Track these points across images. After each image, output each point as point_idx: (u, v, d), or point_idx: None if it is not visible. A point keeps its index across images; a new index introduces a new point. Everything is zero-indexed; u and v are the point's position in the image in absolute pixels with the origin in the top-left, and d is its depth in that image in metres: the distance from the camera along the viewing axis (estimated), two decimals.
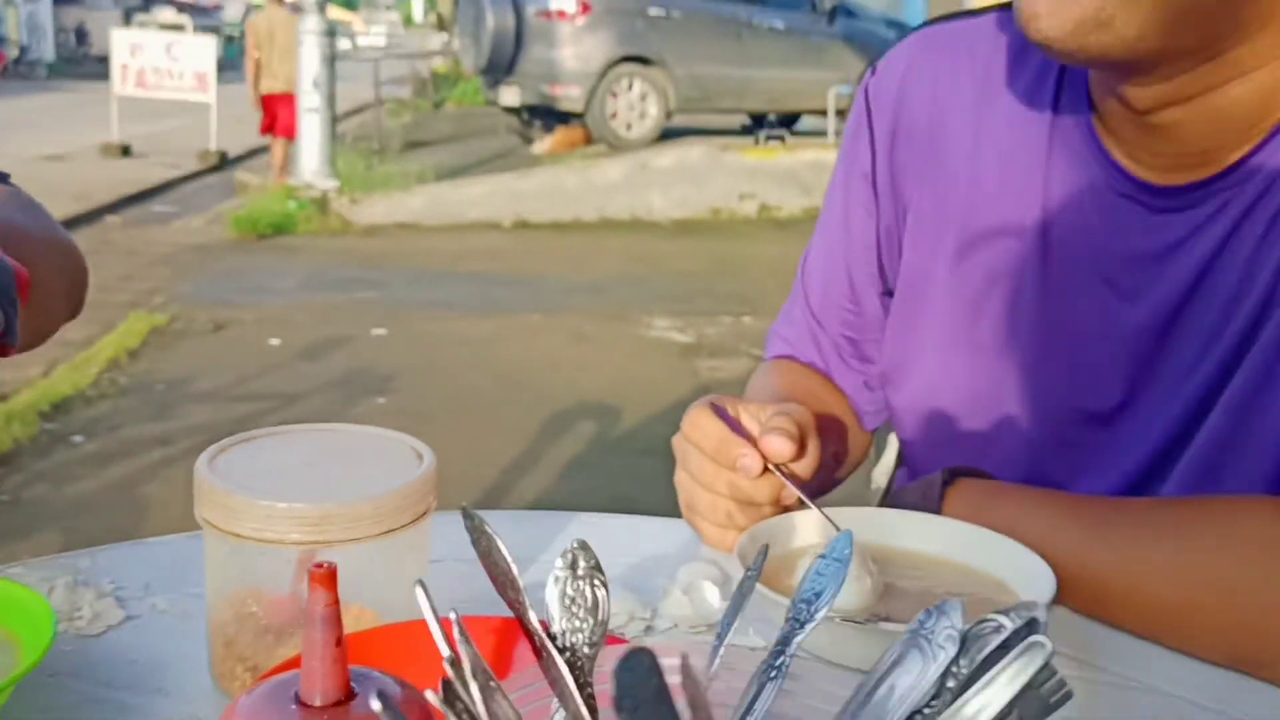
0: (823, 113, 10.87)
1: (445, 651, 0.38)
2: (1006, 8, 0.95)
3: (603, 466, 4.05)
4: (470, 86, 17.03)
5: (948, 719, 0.37)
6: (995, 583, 0.81)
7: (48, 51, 28.39)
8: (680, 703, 0.31)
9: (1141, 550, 0.79)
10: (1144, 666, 0.77)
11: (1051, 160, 0.91)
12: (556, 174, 9.72)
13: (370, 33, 39.17)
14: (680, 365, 5.37)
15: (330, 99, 9.49)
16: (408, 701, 0.45)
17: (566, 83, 10.61)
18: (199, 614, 0.74)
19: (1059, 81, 0.91)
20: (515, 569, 0.45)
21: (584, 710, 0.42)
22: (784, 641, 0.42)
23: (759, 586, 0.75)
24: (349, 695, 0.46)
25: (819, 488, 1.03)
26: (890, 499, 0.92)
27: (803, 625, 0.42)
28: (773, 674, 0.42)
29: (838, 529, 0.84)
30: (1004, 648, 0.37)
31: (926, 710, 0.37)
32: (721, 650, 0.43)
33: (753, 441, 0.86)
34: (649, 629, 0.79)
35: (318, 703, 0.46)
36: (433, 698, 0.36)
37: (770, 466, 0.86)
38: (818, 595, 0.42)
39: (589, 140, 10.96)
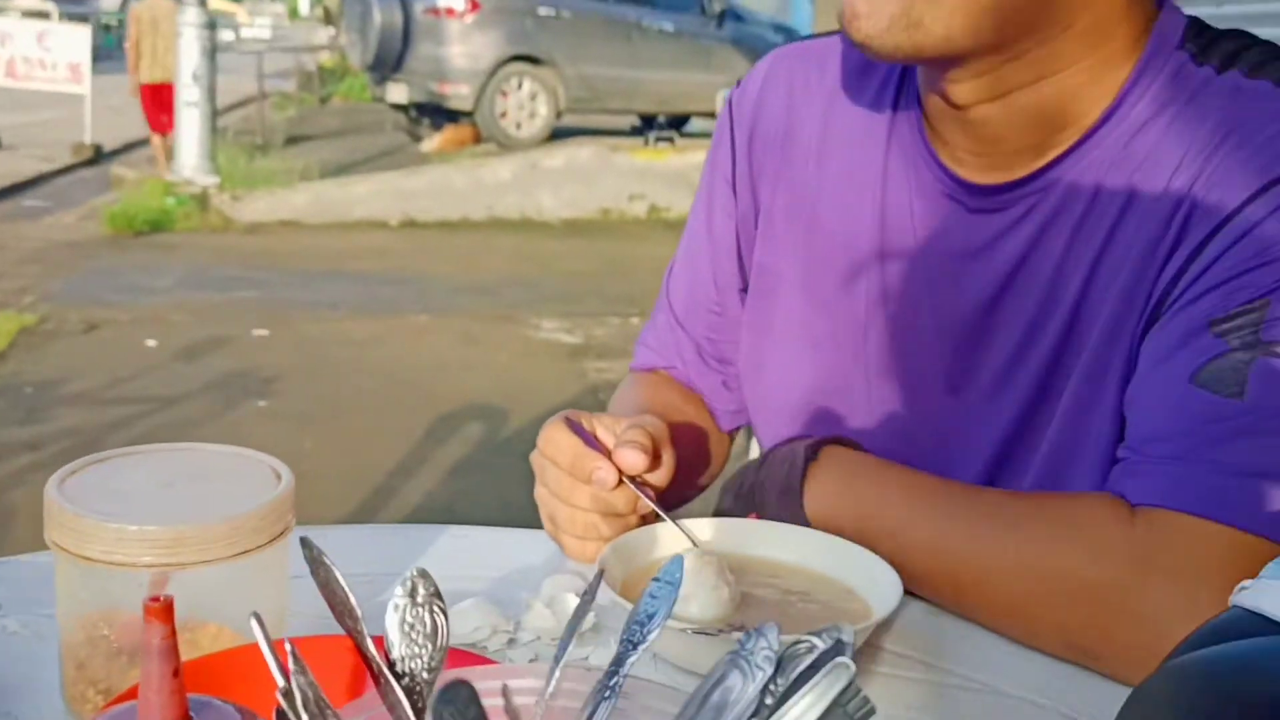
0: (711, 115, 10.96)
1: (279, 682, 0.39)
2: None
3: (489, 468, 4.04)
4: (358, 82, 16.78)
5: None
6: (846, 590, 0.85)
7: None
8: None
9: (991, 543, 0.83)
10: (987, 668, 0.81)
11: (889, 161, 0.98)
12: (445, 172, 9.63)
13: (254, 24, 38.27)
14: (568, 367, 5.38)
15: (210, 92, 9.26)
16: None
17: (455, 81, 10.54)
18: (52, 635, 0.73)
19: (899, 86, 0.98)
20: (353, 599, 0.46)
21: None
22: (618, 662, 0.44)
23: (616, 598, 0.77)
24: None
25: (680, 497, 1.07)
26: (757, 471, 0.95)
27: (635, 646, 0.44)
28: (607, 694, 0.44)
29: (693, 540, 0.87)
30: (815, 667, 0.39)
31: None
32: (559, 671, 0.45)
33: (608, 454, 0.89)
34: (512, 641, 0.80)
35: None
36: None
37: (625, 479, 0.88)
38: (650, 617, 0.44)
39: (478, 139, 10.90)
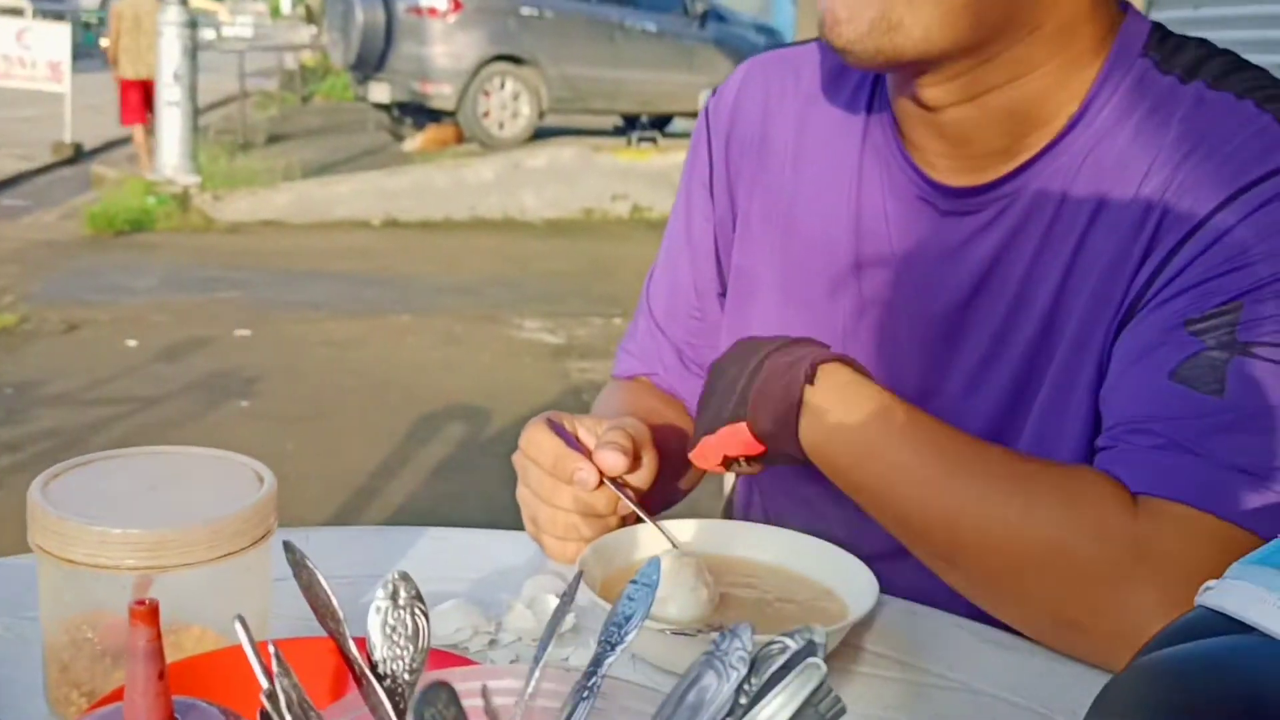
0: (693, 115, 10.98)
1: (263, 684, 0.39)
2: None
3: (472, 469, 4.05)
4: (340, 81, 16.74)
5: None
6: (824, 590, 0.86)
7: None
8: None
9: (997, 504, 0.81)
10: (963, 666, 0.82)
11: (863, 164, 0.99)
12: (427, 172, 9.62)
13: (236, 23, 38.11)
14: (550, 367, 5.39)
15: (192, 92, 9.23)
16: None
17: (438, 80, 10.52)
18: (35, 638, 0.73)
19: (872, 91, 1.00)
20: (335, 601, 0.47)
21: None
22: (596, 663, 0.45)
23: (595, 599, 0.78)
24: None
25: (662, 500, 1.08)
26: (751, 375, 0.91)
27: (613, 647, 0.45)
28: (585, 694, 0.45)
29: (672, 542, 0.88)
30: (787, 667, 0.40)
31: None
32: (538, 672, 0.46)
33: (589, 455, 0.90)
34: (493, 642, 0.81)
35: None
36: None
37: (605, 480, 0.89)
38: (628, 619, 0.45)
39: (460, 139, 10.89)
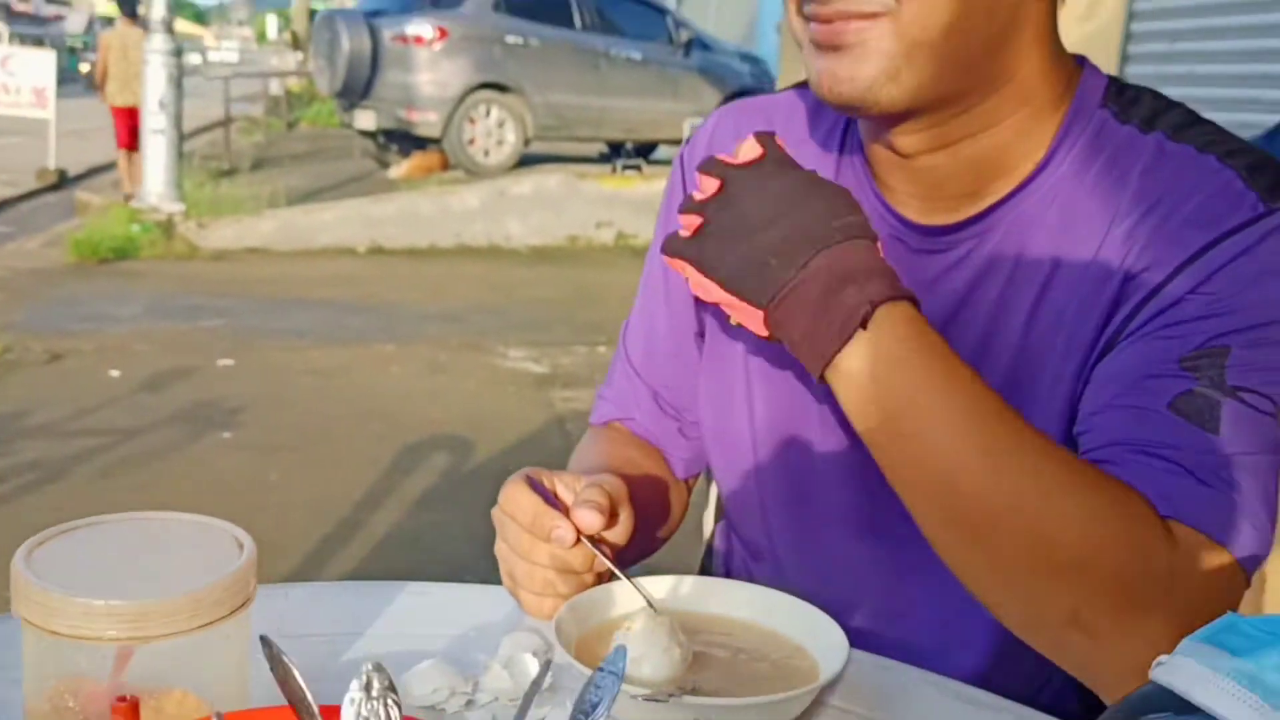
0: (678, 142, 11.04)
1: None
2: (799, 86, 1.08)
3: (456, 499, 4.05)
4: (325, 107, 16.78)
5: None
6: (795, 647, 0.87)
7: None
8: None
9: (1051, 486, 0.77)
10: None
11: None
12: (413, 199, 9.65)
13: (221, 49, 38.20)
14: (535, 396, 5.40)
15: (177, 120, 9.24)
16: None
17: (423, 108, 10.56)
18: (16, 700, 0.74)
19: (844, 134, 1.04)
20: (310, 695, 0.48)
21: None
22: None
23: (574, 661, 0.79)
24: None
25: (641, 551, 1.09)
26: (790, 283, 0.81)
27: None
28: None
29: (647, 599, 0.89)
30: None
31: None
32: None
33: (567, 512, 0.91)
34: (470, 703, 0.82)
35: None
36: None
37: (582, 538, 0.90)
38: (594, 707, 0.47)
39: (446, 166, 10.92)
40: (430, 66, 10.55)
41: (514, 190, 9.83)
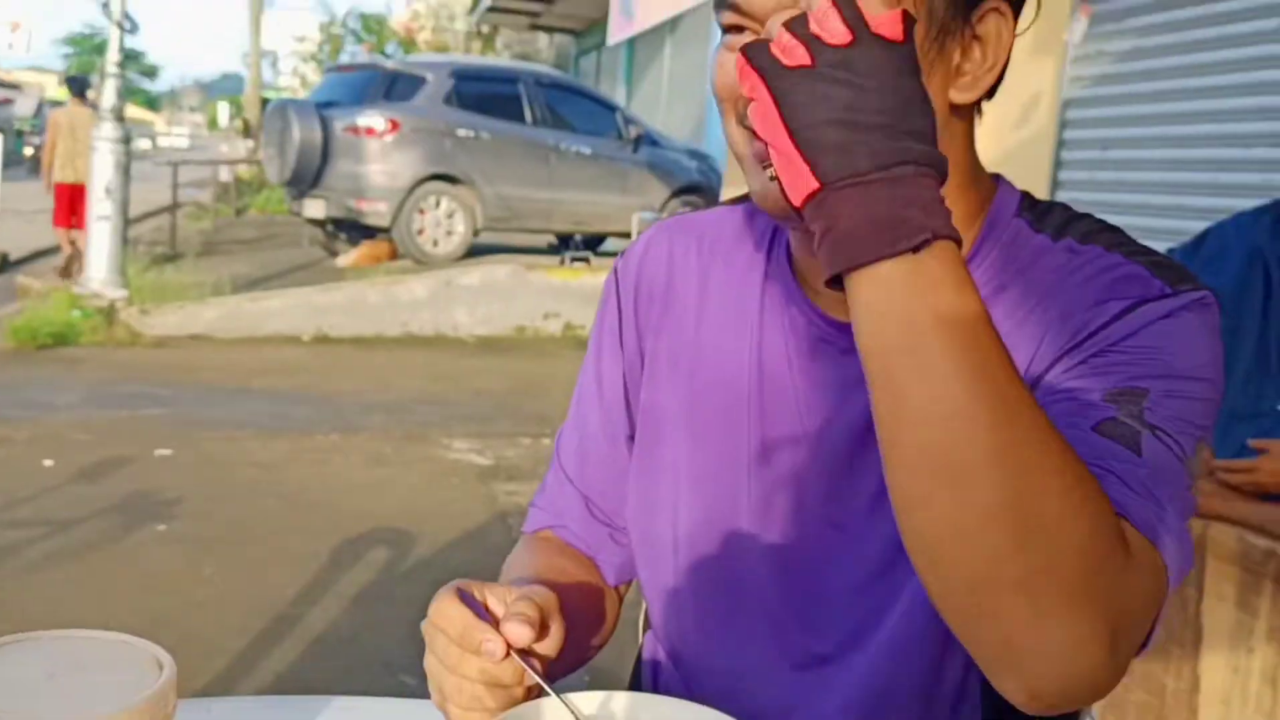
0: (627, 235, 11.19)
1: None
2: (732, 203, 1.15)
3: (395, 596, 3.99)
4: (275, 194, 16.80)
5: None
6: None
7: None
8: None
9: (1056, 464, 0.74)
10: None
11: (764, 306, 1.07)
12: (360, 288, 9.65)
13: (172, 134, 38.26)
14: (478, 489, 5.36)
15: (123, 206, 9.21)
16: None
17: (373, 198, 10.62)
18: None
19: (772, 241, 1.08)
20: None
21: None
22: None
23: None
24: None
25: (574, 661, 1.09)
26: (846, 177, 0.74)
27: None
28: None
29: (576, 715, 0.89)
30: None
31: None
32: None
33: (498, 625, 0.91)
34: None
35: None
36: None
37: (513, 652, 0.90)
38: None
39: (394, 255, 10.95)
40: (381, 157, 10.64)
41: (462, 280, 9.87)
